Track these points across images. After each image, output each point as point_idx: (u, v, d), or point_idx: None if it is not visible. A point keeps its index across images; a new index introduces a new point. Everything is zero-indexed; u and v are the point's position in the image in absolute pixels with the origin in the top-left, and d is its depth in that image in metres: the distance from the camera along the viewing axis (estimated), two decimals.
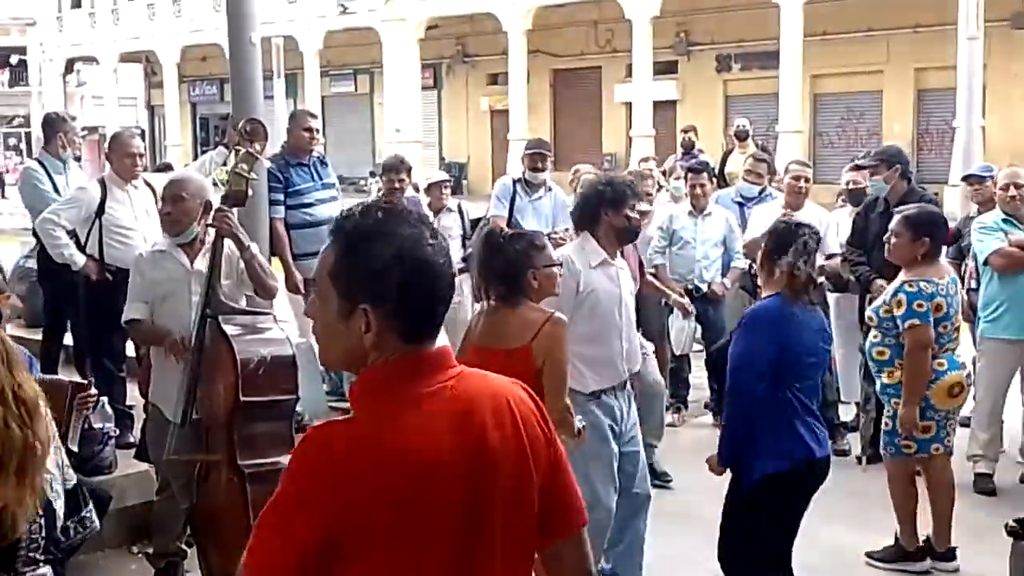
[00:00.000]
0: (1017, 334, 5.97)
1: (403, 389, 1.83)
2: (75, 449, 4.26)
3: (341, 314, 1.83)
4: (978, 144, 15.04)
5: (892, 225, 5.05)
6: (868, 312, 5.09)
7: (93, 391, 4.39)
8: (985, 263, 6.07)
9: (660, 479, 5.96)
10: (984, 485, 5.98)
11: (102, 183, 5.95)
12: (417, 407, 1.82)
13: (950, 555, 5.01)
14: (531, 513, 1.92)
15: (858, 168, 7.15)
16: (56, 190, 6.42)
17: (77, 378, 4.99)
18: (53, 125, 6.65)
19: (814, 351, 4.04)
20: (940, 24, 21.52)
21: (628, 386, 4.62)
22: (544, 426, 1.96)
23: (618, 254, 4.69)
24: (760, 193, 7.76)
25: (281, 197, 6.51)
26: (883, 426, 5.05)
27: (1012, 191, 6.03)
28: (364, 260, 1.81)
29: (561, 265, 4.12)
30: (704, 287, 7.34)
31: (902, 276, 4.92)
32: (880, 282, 6.17)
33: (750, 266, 7.44)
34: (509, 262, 3.85)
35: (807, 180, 7.10)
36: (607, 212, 4.50)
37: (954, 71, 15.13)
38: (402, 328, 1.83)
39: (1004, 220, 6.03)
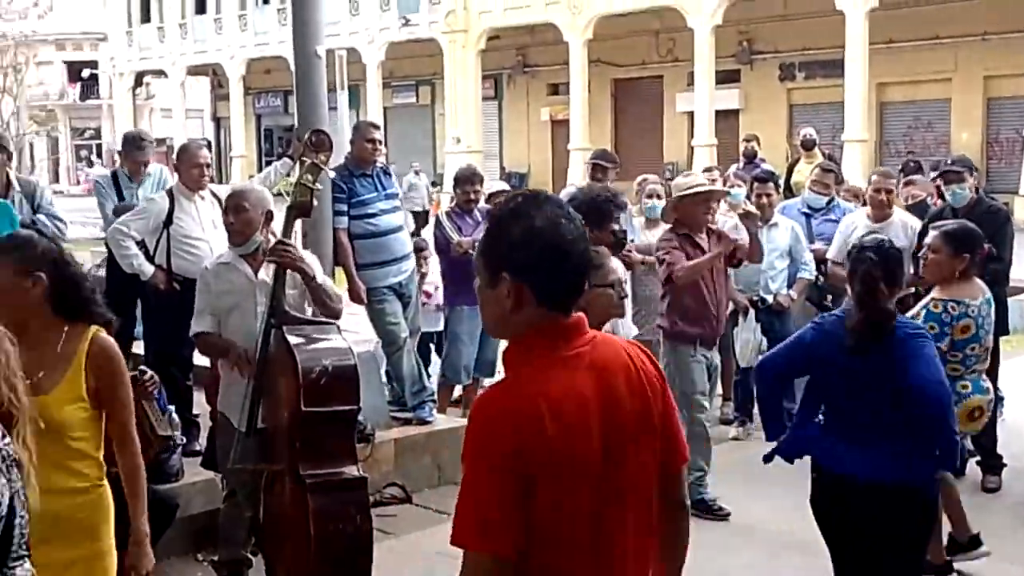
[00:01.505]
0: None
1: (548, 351, 2.12)
2: (165, 433, 4.42)
3: (489, 284, 2.15)
4: None
5: (929, 240, 4.89)
6: None
7: (149, 374, 4.52)
8: None
9: (713, 513, 5.79)
10: None
11: (170, 194, 6.04)
12: (562, 367, 2.11)
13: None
14: (654, 459, 2.23)
15: (910, 182, 7.00)
16: (124, 202, 6.57)
17: None
18: (126, 145, 6.88)
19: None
20: (1009, 31, 21.15)
21: None
22: (660, 379, 2.28)
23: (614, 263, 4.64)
24: (828, 204, 7.66)
25: (345, 207, 6.53)
26: None
27: None
28: (505, 236, 2.13)
29: (614, 286, 3.83)
30: (769, 298, 7.23)
31: (933, 293, 4.77)
32: None
33: (817, 278, 7.35)
34: None
35: (888, 192, 6.95)
36: (592, 230, 4.48)
37: None
38: (538, 296, 2.12)
39: None
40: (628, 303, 4.76)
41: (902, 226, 6.77)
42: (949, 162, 6.86)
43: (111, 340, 3.26)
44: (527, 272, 2.10)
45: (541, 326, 2.13)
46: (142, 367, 4.74)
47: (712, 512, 5.75)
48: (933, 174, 7.42)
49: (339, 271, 6.57)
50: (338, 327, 4.51)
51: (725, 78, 27.10)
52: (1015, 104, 23.65)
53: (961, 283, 4.74)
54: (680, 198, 5.87)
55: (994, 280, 6.12)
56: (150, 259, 5.96)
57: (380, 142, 6.80)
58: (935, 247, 4.80)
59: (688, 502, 2.41)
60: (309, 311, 4.51)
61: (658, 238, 6.11)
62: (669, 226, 6.06)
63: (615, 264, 3.84)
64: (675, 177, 7.80)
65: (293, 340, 4.24)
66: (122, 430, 3.26)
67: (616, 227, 4.54)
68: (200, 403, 5.87)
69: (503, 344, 2.27)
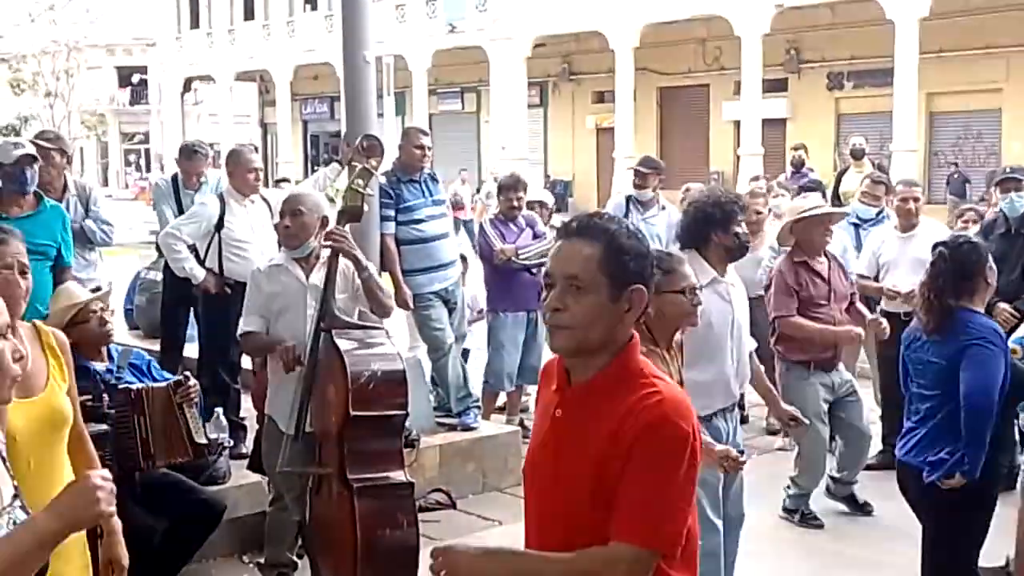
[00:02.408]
0: None
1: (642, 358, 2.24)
2: (204, 440, 4.45)
3: (611, 298, 2.15)
4: None
5: None
6: (1011, 343, 4.84)
7: (192, 382, 4.54)
8: None
9: (861, 509, 6.04)
10: None
11: (221, 198, 6.10)
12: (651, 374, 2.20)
13: None
14: None
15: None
16: (181, 207, 6.67)
17: None
18: (180, 155, 7.02)
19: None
20: None
21: (736, 407, 4.52)
22: None
23: (729, 270, 4.58)
24: (877, 214, 7.57)
25: (392, 213, 6.55)
26: None
27: None
28: (634, 251, 2.18)
29: (687, 292, 3.68)
30: None
31: None
32: (1003, 306, 5.93)
33: None
34: None
35: (916, 200, 6.88)
36: (716, 232, 4.41)
37: None
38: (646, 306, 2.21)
39: None
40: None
41: (930, 236, 6.67)
42: (1008, 170, 6.74)
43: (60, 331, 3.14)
44: (648, 282, 2.21)
45: (635, 336, 2.23)
46: (186, 372, 4.77)
47: (808, 523, 5.88)
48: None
49: (385, 276, 6.59)
50: (386, 331, 4.53)
51: (772, 87, 26.91)
52: None
53: None
54: (797, 220, 5.73)
55: None
56: (201, 263, 6.03)
57: (429, 148, 6.82)
58: None
59: None
60: (356, 315, 4.54)
61: (776, 263, 5.98)
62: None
63: (687, 270, 3.72)
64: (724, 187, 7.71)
65: (342, 344, 4.26)
66: (77, 420, 3.04)
67: (739, 230, 4.46)
68: (246, 406, 5.91)
69: (547, 351, 2.30)
